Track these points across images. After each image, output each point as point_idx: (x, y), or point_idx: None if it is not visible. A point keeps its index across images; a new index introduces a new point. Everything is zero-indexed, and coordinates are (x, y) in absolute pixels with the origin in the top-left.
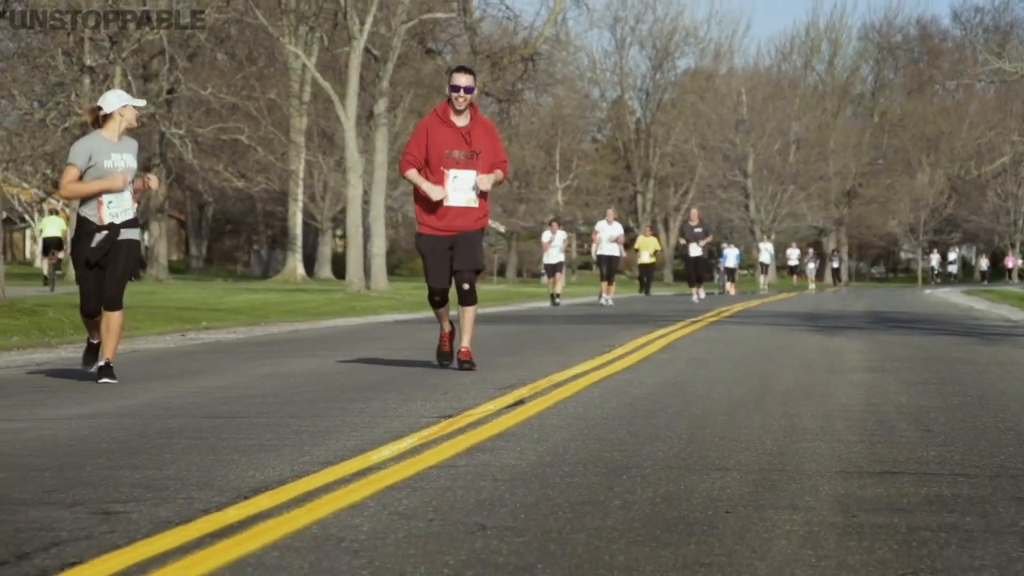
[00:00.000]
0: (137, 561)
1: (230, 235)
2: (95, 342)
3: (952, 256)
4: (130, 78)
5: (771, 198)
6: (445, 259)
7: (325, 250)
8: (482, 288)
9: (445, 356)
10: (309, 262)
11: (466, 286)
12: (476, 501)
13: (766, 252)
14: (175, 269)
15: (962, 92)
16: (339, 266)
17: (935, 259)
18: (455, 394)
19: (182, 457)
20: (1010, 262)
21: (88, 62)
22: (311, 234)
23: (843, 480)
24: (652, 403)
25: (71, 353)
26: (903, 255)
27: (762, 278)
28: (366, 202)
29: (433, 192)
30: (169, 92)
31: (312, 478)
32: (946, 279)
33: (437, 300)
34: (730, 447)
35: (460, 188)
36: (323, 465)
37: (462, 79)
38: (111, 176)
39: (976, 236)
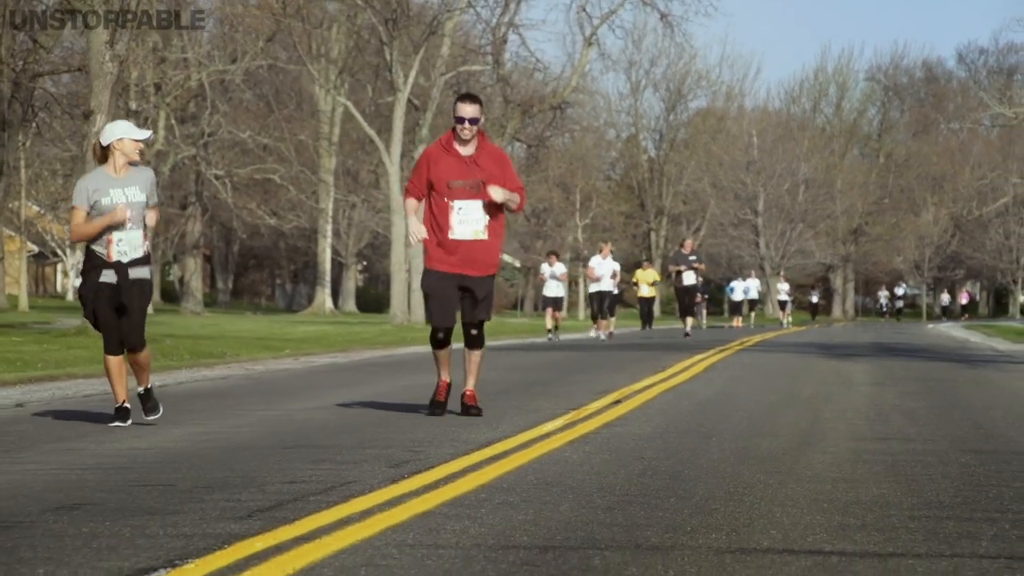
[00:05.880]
0: (463, 467)
1: (254, 269)
2: (120, 404)
3: (900, 291)
4: (172, 121)
5: (780, 236)
6: (452, 296)
7: (349, 284)
8: (507, 322)
9: (438, 405)
10: (334, 295)
11: (474, 331)
12: (628, 448)
13: (740, 290)
14: (203, 302)
15: (966, 133)
16: (363, 300)
17: (883, 295)
18: (565, 396)
19: (418, 430)
20: (964, 297)
21: (133, 106)
22: (335, 268)
23: (853, 441)
24: (714, 402)
25: (228, 371)
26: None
27: (752, 315)
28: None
29: (412, 231)
30: (209, 135)
31: (516, 437)
32: (895, 314)
33: (441, 338)
34: (777, 426)
35: (466, 220)
36: (515, 432)
37: (467, 109)
38: (111, 212)
39: (980, 273)
